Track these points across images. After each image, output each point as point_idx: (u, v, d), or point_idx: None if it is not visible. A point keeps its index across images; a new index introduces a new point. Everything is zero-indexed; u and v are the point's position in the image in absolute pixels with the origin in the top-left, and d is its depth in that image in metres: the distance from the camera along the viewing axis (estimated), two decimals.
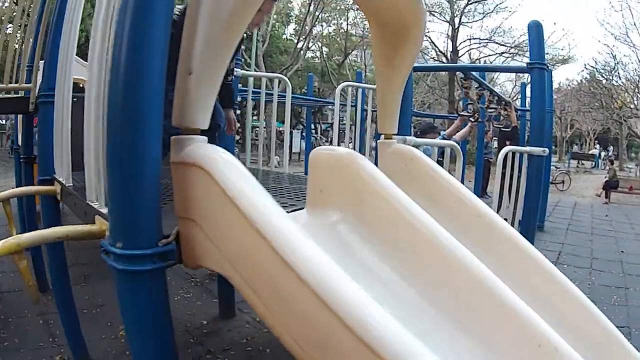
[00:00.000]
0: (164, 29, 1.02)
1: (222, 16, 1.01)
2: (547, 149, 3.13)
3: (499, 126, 5.72)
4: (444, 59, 20.23)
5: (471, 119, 4.97)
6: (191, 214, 1.07)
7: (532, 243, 3.27)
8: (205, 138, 1.13)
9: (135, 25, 0.99)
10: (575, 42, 38.09)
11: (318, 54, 23.52)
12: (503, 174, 3.37)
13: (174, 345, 1.16)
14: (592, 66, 21.55)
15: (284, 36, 22.89)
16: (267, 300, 0.93)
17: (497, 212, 3.41)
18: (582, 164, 25.23)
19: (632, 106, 20.36)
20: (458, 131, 5.27)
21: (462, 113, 4.89)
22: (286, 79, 4.21)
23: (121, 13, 1.01)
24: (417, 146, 2.71)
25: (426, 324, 1.09)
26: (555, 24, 26.70)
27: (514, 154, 3.36)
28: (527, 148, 3.27)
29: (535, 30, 3.21)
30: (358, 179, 1.31)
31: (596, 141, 31.77)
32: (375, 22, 1.51)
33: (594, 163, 25.67)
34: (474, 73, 4.33)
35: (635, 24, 18.48)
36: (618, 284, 4.85)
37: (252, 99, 3.82)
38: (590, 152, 29.34)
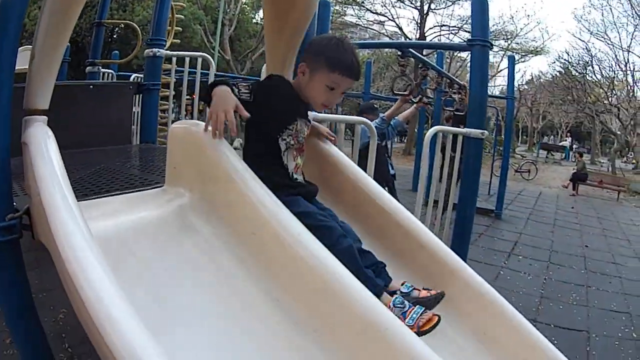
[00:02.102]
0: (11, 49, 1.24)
1: (55, 12, 1.23)
2: (485, 131, 2.68)
3: (451, 109, 5.27)
4: None
5: (413, 99, 4.44)
6: (28, 189, 1.20)
7: (470, 232, 2.90)
8: (45, 118, 1.31)
9: None
10: (550, 34, 38.18)
11: None
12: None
13: (34, 316, 1.37)
14: (565, 60, 21.39)
15: (254, 20, 21.91)
16: None
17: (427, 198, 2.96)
18: (552, 155, 24.68)
19: (606, 102, 20.25)
20: (399, 112, 4.76)
21: (397, 92, 4.36)
22: (209, 57, 3.70)
23: None
24: (319, 121, 2.25)
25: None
26: (529, 16, 26.40)
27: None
28: (464, 130, 2.81)
29: (479, 5, 2.85)
30: (204, 158, 1.28)
31: (568, 133, 31.49)
32: None
33: (564, 155, 24.83)
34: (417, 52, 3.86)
35: (614, 23, 18.51)
36: (578, 281, 4.45)
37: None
38: (560, 143, 28.71)
